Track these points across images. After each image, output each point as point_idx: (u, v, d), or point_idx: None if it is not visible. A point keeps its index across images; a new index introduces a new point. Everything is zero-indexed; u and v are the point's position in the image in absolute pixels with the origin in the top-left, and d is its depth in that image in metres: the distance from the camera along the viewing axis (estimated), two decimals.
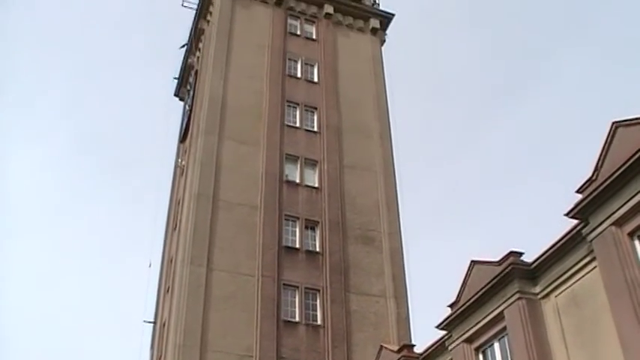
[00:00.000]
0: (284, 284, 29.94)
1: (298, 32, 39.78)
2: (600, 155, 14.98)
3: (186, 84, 43.28)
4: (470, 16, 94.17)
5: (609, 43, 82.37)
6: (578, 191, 15.49)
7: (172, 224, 35.76)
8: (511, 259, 16.84)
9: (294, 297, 29.92)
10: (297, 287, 30.09)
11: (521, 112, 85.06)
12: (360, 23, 41.64)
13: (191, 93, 39.64)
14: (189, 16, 43.30)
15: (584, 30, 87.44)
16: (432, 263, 71.57)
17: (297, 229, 31.80)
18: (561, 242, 15.80)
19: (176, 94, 45.02)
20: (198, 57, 40.98)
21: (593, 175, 15.09)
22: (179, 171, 37.43)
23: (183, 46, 43.88)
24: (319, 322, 29.51)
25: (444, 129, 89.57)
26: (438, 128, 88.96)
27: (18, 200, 79.57)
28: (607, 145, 14.88)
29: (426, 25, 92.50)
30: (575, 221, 15.51)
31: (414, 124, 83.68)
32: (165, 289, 33.35)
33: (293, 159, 33.94)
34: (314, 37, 39.96)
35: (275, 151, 33.64)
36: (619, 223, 14.40)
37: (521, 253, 17.14)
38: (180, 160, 37.77)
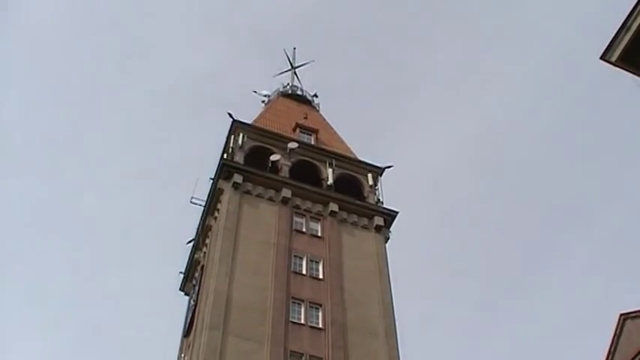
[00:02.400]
0: None
1: (304, 229, 40.39)
2: (610, 348, 14.78)
3: (191, 279, 43.04)
4: (475, 211, 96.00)
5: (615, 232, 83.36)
6: None
7: None
8: None
9: None
10: None
11: (526, 306, 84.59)
12: (365, 221, 42.40)
13: (196, 288, 39.33)
14: (197, 212, 43.96)
15: (589, 217, 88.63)
16: None
17: None
18: None
19: (181, 289, 44.68)
20: (204, 252, 41.14)
21: None
22: None
23: (190, 241, 44.17)
24: None
25: (449, 325, 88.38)
26: (443, 325, 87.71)
27: None
28: (616, 337, 14.73)
29: (431, 219, 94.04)
30: None
31: (420, 321, 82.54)
32: None
33: (297, 356, 33.15)
34: (319, 234, 40.51)
35: (279, 348, 32.89)
36: None
37: None
38: (182, 355, 36.91)
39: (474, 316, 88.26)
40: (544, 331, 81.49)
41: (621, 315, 14.60)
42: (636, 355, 13.99)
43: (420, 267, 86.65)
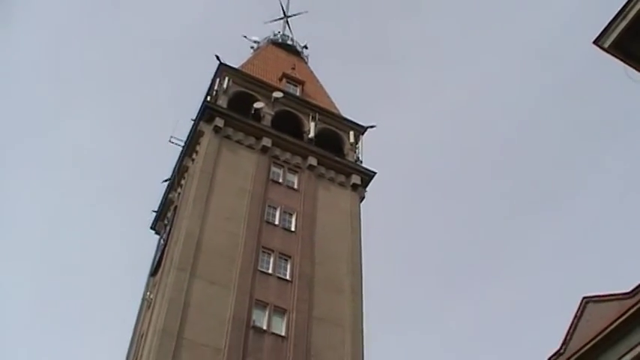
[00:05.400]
0: None
1: (280, 180, 40.36)
2: (569, 329, 15.05)
3: (164, 218, 42.97)
4: (450, 184, 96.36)
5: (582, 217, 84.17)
6: None
7: (133, 358, 34.64)
8: None
9: None
10: None
11: (493, 284, 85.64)
12: (342, 178, 42.42)
13: (168, 228, 39.43)
14: (176, 152, 43.88)
15: (559, 201, 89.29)
16: None
17: None
18: None
19: (152, 227, 44.62)
20: (179, 193, 41.04)
21: (560, 348, 15.11)
22: (146, 304, 36.62)
23: (166, 180, 43.95)
24: None
25: (415, 293, 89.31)
26: (409, 292, 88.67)
27: None
28: (576, 319, 15.00)
29: (408, 186, 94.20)
30: None
31: (387, 284, 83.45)
32: None
33: (262, 305, 33.30)
34: (295, 186, 40.53)
35: (245, 295, 33.06)
36: None
37: None
38: (148, 294, 36.97)
39: (440, 286, 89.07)
40: (509, 308, 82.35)
41: (584, 298, 14.89)
42: (594, 338, 14.24)
43: (392, 231, 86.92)
